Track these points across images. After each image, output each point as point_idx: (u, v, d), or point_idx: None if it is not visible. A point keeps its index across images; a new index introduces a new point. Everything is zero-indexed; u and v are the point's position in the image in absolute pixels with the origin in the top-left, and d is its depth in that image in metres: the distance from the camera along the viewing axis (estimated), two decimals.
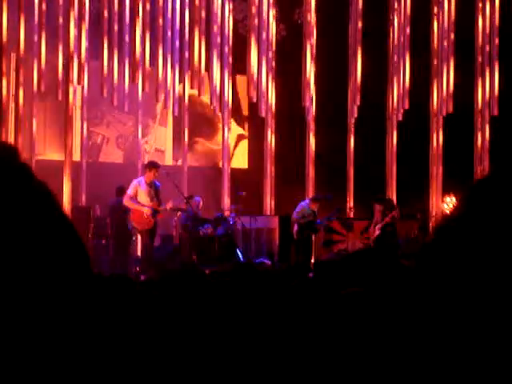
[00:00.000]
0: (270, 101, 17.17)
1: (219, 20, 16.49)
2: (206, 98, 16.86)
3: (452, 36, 17.49)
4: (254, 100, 16.93)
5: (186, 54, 16.14)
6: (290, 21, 17.85)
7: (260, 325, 3.06)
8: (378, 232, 14.27)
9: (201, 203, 14.79)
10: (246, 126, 18.75)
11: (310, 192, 16.92)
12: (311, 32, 17.13)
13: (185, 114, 16.84)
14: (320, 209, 14.87)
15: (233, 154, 18.10)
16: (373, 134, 17.75)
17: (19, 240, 1.08)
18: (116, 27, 15.32)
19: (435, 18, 17.68)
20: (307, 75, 17.10)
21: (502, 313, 1.12)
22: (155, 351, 2.82)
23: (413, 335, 1.25)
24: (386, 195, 16.46)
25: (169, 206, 13.00)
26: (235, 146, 18.22)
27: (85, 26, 14.98)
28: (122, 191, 13.50)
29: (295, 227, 14.80)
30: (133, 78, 15.54)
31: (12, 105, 14.88)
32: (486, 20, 17.49)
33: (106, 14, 15.23)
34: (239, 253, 14.45)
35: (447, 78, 17.51)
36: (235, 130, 18.09)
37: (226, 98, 16.82)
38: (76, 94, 15.36)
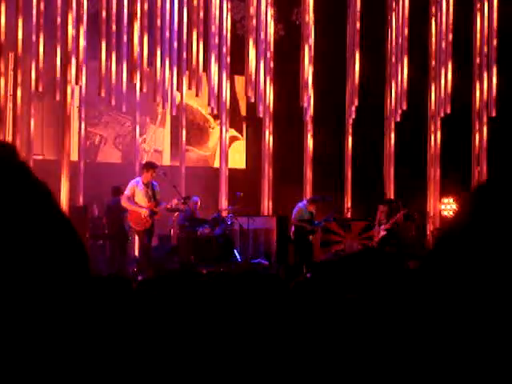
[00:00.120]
0: (267, 101, 17.17)
1: (217, 20, 16.49)
2: (199, 105, 16.86)
3: (450, 37, 17.49)
4: (252, 100, 16.93)
5: (184, 55, 16.13)
6: (288, 21, 17.85)
7: (258, 326, 3.06)
8: (383, 233, 14.25)
9: (199, 203, 14.80)
10: (244, 126, 18.76)
11: (308, 192, 16.92)
12: (309, 32, 17.13)
13: (182, 114, 16.85)
14: (318, 210, 14.88)
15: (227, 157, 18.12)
16: (370, 134, 17.76)
17: (18, 239, 1.07)
18: (114, 27, 15.30)
19: (433, 19, 17.69)
20: (305, 76, 17.10)
21: (504, 316, 1.12)
22: (152, 351, 2.81)
23: (417, 340, 1.24)
24: (389, 196, 16.42)
25: (174, 203, 13.00)
26: (228, 147, 18.25)
27: (83, 26, 14.96)
28: (117, 191, 13.50)
29: (292, 228, 14.81)
30: (131, 79, 15.53)
31: (10, 105, 14.87)
32: (484, 21, 17.50)
33: (104, 14, 15.22)
34: (237, 253, 14.45)
35: (445, 79, 17.52)
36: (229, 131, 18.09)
37: (223, 99, 16.83)
38: (74, 94, 15.35)
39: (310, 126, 17.41)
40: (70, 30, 14.80)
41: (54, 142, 16.12)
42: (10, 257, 1.06)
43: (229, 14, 16.74)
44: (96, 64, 15.27)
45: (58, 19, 14.73)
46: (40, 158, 15.14)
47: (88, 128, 16.63)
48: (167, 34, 15.89)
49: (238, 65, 16.86)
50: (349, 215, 16.76)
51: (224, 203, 16.57)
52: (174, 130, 17.64)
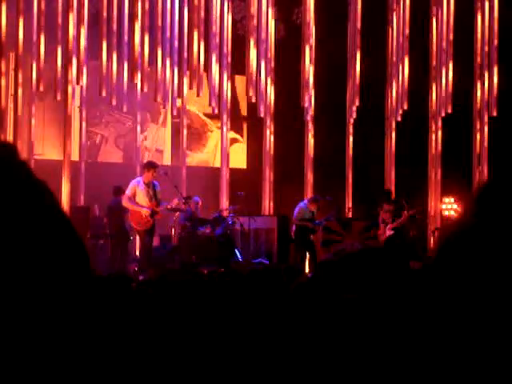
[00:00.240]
0: (268, 101, 17.18)
1: (218, 20, 16.49)
2: (196, 109, 16.85)
3: (451, 37, 17.49)
4: (253, 100, 16.93)
5: (185, 54, 16.13)
6: (289, 21, 17.86)
7: (258, 325, 3.05)
8: (390, 232, 14.22)
9: (200, 203, 14.80)
10: (245, 126, 18.77)
11: (309, 192, 16.93)
12: (310, 32, 17.13)
13: (183, 114, 16.86)
14: (319, 210, 14.87)
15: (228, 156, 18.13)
16: (371, 134, 17.76)
17: (18, 238, 1.07)
18: (115, 27, 15.31)
19: (434, 18, 17.68)
20: (306, 75, 17.10)
21: (509, 317, 1.12)
22: (153, 350, 2.81)
23: (420, 341, 1.24)
24: (394, 195, 16.36)
25: (174, 203, 13.01)
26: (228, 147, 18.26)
27: (84, 26, 14.96)
28: (119, 191, 13.50)
29: (293, 227, 14.81)
30: (132, 78, 15.54)
31: (11, 105, 14.87)
32: (485, 21, 17.49)
33: (104, 14, 15.22)
34: (238, 253, 14.46)
35: (446, 79, 17.51)
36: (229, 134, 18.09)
37: (224, 99, 16.84)
38: (75, 93, 15.35)
39: (310, 126, 17.41)
40: (71, 30, 14.80)
41: (54, 141, 16.13)
42: (11, 257, 1.07)
43: (229, 13, 16.74)
44: (97, 64, 15.27)
45: (59, 19, 14.74)
46: (41, 157, 15.14)
47: (89, 128, 16.64)
48: (168, 33, 15.89)
49: (238, 65, 16.86)
50: (350, 215, 16.76)
51: (225, 203, 16.58)
52: (174, 130, 17.65)
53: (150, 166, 12.79)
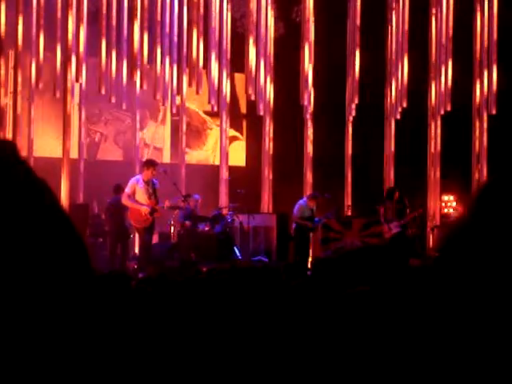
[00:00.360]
0: (267, 99, 17.18)
1: (217, 18, 16.48)
2: (196, 107, 16.85)
3: (450, 34, 17.48)
4: (252, 98, 16.93)
5: (184, 52, 16.13)
6: (288, 19, 17.85)
7: (259, 323, 3.05)
8: (397, 230, 14.20)
9: (199, 201, 14.80)
10: (244, 124, 18.77)
11: (308, 190, 16.93)
12: (309, 30, 17.13)
13: (182, 112, 16.85)
14: (318, 207, 14.87)
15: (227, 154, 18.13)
16: (371, 132, 17.76)
17: (18, 237, 1.07)
18: (114, 24, 15.30)
19: (433, 16, 17.68)
20: (305, 73, 17.10)
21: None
22: (153, 348, 2.81)
23: (421, 339, 1.24)
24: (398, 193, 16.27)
25: (166, 204, 13.03)
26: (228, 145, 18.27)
27: (83, 24, 14.95)
28: (119, 189, 13.50)
29: (293, 225, 14.81)
30: (131, 76, 15.53)
31: (10, 102, 14.86)
32: (485, 18, 17.48)
33: (104, 10, 15.21)
34: (237, 251, 14.46)
35: (445, 77, 17.51)
36: (228, 131, 18.09)
37: (224, 97, 16.83)
38: (74, 91, 15.34)
39: (309, 124, 17.42)
40: (70, 27, 14.79)
41: (54, 139, 16.11)
42: (11, 254, 1.07)
43: (229, 11, 16.73)
44: (96, 61, 15.27)
45: (58, 16, 14.73)
46: (40, 155, 15.13)
47: (88, 125, 16.63)
48: (167, 31, 15.88)
49: (238, 62, 16.86)
50: (349, 213, 16.76)
51: (224, 201, 16.59)
52: (174, 128, 17.65)
53: (150, 163, 12.78)
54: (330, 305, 2.35)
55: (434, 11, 17.67)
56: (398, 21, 17.48)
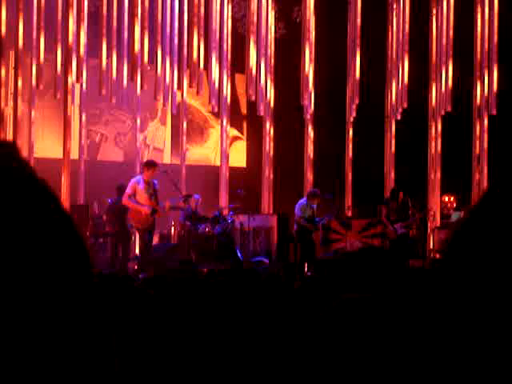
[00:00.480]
0: (268, 99, 17.18)
1: (218, 18, 16.49)
2: (198, 104, 16.85)
3: (451, 35, 17.48)
4: (253, 98, 16.93)
5: (185, 53, 16.13)
6: (289, 19, 17.86)
7: (258, 325, 3.05)
8: (402, 231, 14.19)
9: (199, 201, 14.80)
10: (244, 124, 18.77)
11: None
12: (310, 31, 17.13)
13: (183, 113, 16.85)
14: (319, 206, 14.85)
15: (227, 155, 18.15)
16: (371, 132, 17.76)
17: (19, 237, 1.07)
18: (115, 25, 15.31)
19: (434, 17, 17.68)
20: (306, 74, 17.10)
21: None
22: (154, 349, 2.81)
23: (422, 341, 1.24)
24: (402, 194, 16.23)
25: (167, 205, 13.02)
26: (229, 146, 18.28)
27: (83, 24, 14.96)
28: (122, 190, 13.51)
29: (295, 226, 14.79)
30: (131, 76, 15.53)
31: (10, 103, 14.87)
32: (485, 19, 17.48)
33: (104, 11, 15.22)
34: (237, 251, 14.46)
35: (446, 77, 17.51)
36: (230, 131, 18.11)
37: (224, 97, 16.84)
38: (74, 92, 15.34)
39: (310, 125, 17.42)
40: (71, 28, 14.79)
41: (54, 140, 16.12)
42: (12, 255, 1.06)
43: (229, 12, 16.74)
44: (96, 62, 15.27)
45: (59, 17, 14.73)
46: (40, 156, 15.14)
47: (89, 126, 16.63)
48: (168, 31, 15.89)
49: (238, 63, 16.86)
50: (349, 213, 16.76)
51: (224, 201, 16.58)
52: (174, 128, 17.65)
53: (150, 164, 12.79)
54: (330, 307, 2.35)
55: (434, 12, 17.68)
56: (399, 21, 17.48)
